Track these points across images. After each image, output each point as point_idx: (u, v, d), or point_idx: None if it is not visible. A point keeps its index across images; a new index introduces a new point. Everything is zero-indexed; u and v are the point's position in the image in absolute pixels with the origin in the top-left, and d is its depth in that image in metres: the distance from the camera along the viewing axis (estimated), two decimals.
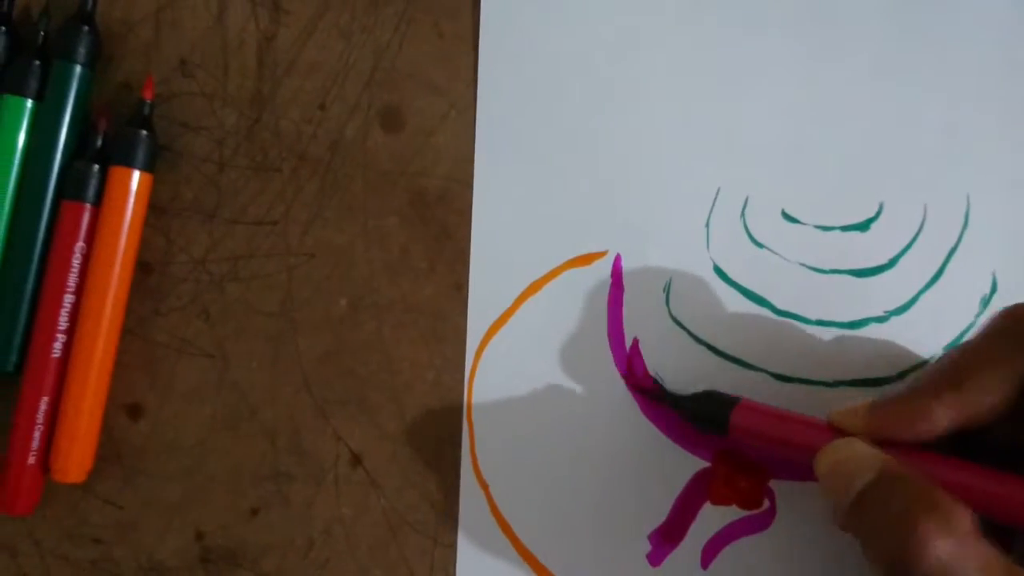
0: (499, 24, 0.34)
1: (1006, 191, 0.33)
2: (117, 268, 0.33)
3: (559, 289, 0.34)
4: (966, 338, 0.33)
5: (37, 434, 0.33)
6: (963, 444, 0.28)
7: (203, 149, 0.34)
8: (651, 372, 0.33)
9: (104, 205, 0.33)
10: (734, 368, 0.33)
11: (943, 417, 0.27)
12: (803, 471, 0.32)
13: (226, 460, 0.34)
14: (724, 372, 0.33)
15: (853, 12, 0.34)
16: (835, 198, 0.33)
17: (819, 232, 0.33)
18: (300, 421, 0.34)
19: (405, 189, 0.34)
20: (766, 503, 0.33)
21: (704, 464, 0.33)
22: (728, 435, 0.31)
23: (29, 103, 0.33)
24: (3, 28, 0.33)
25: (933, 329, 0.33)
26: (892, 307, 0.33)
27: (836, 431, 0.29)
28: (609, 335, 0.33)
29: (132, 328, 0.34)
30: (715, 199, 0.34)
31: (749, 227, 0.33)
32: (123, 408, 0.34)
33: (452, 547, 0.33)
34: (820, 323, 0.33)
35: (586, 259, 0.34)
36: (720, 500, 0.33)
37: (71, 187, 0.33)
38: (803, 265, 0.33)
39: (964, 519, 0.25)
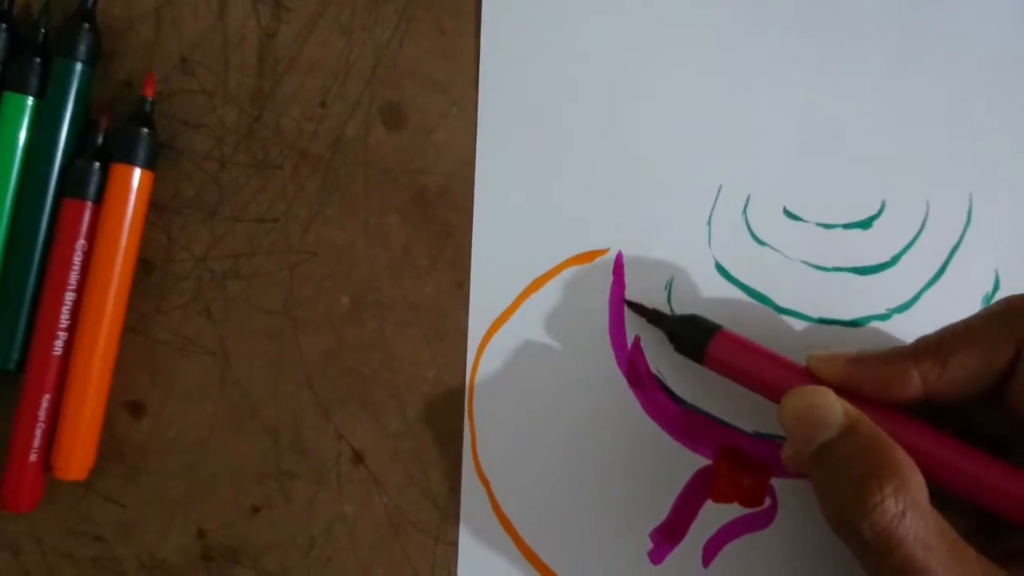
0: (501, 21, 0.34)
1: (1009, 189, 0.33)
2: (118, 266, 0.33)
3: (561, 287, 0.34)
4: None
5: (39, 432, 0.32)
6: (939, 421, 0.28)
7: (204, 147, 0.34)
8: (653, 370, 0.33)
9: (105, 203, 0.33)
10: None
11: (918, 384, 0.28)
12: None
13: (228, 458, 0.34)
14: None
15: (857, 10, 0.34)
16: (837, 195, 0.33)
17: (821, 230, 0.33)
18: (302, 419, 0.34)
19: (406, 187, 0.34)
20: (768, 501, 0.33)
21: (705, 462, 0.33)
22: (703, 362, 0.31)
23: (30, 100, 0.33)
24: (4, 25, 0.33)
25: (935, 327, 0.32)
26: (894, 305, 0.33)
27: (811, 377, 0.29)
28: (610, 333, 0.33)
29: (133, 326, 0.34)
30: (717, 196, 0.34)
31: (751, 224, 0.33)
32: (125, 406, 0.34)
33: (454, 545, 0.33)
34: (822, 321, 0.33)
35: (588, 256, 0.34)
36: (722, 498, 0.33)
37: (72, 185, 0.33)
38: (805, 263, 0.33)
39: (919, 486, 0.25)
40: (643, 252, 0.33)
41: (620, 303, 0.33)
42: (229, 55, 0.34)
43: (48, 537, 0.34)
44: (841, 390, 0.28)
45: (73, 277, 0.32)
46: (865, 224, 0.33)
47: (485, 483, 0.33)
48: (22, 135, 0.33)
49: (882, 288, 0.33)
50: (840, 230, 0.33)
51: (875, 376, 0.28)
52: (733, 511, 0.33)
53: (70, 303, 0.33)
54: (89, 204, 0.33)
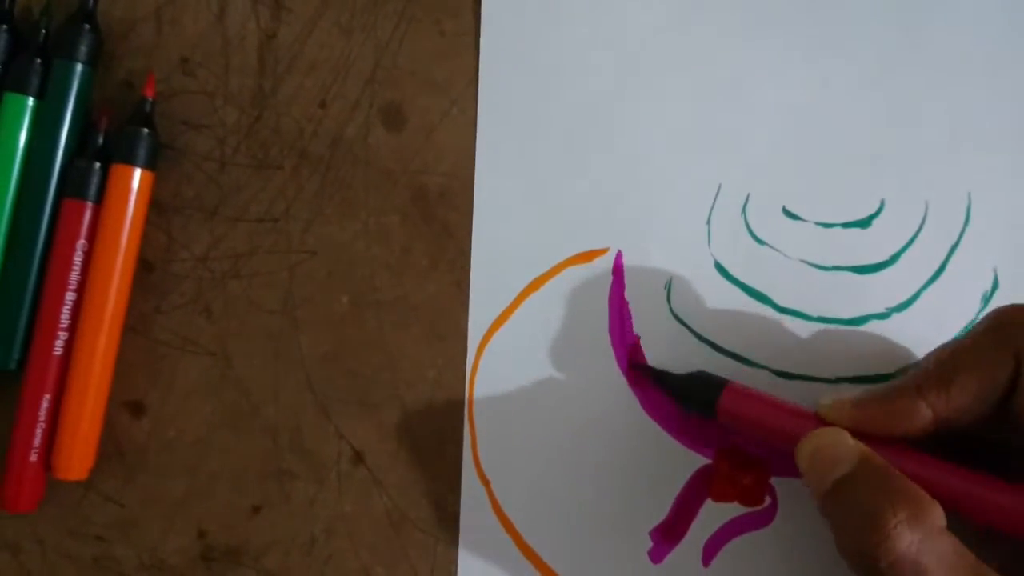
0: (500, 21, 0.34)
1: (1007, 188, 0.33)
2: (119, 266, 0.33)
3: (560, 286, 0.34)
4: None
5: (39, 431, 0.33)
6: (946, 443, 0.28)
7: (204, 147, 0.34)
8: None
9: (106, 203, 0.33)
10: (735, 365, 0.33)
11: (926, 416, 0.27)
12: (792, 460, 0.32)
13: (228, 458, 0.34)
14: (725, 369, 0.33)
15: (855, 10, 0.34)
16: (836, 195, 0.33)
17: (820, 229, 0.33)
18: (302, 419, 0.34)
19: (406, 187, 0.34)
20: (767, 500, 0.33)
21: (705, 461, 0.33)
22: (716, 418, 0.31)
23: (30, 101, 0.33)
24: (4, 26, 0.33)
25: (935, 326, 0.33)
26: (893, 304, 0.33)
27: (822, 421, 0.29)
28: (610, 332, 0.33)
29: (134, 326, 0.34)
30: (716, 196, 0.34)
31: (750, 224, 0.33)
32: (125, 406, 0.34)
33: (454, 544, 0.33)
34: (821, 320, 0.33)
35: (587, 256, 0.34)
36: (721, 497, 0.33)
37: (72, 185, 0.33)
38: (804, 262, 0.33)
39: (935, 514, 0.25)
40: (643, 252, 0.34)
41: (620, 303, 0.34)
42: (229, 56, 0.34)
43: (48, 537, 0.34)
44: (853, 432, 0.28)
45: (73, 277, 0.32)
46: (864, 223, 0.33)
47: (485, 482, 0.33)
48: (22, 135, 0.33)
49: (881, 287, 0.33)
50: (839, 229, 0.33)
51: (882, 414, 0.28)
52: (733, 510, 0.33)
53: (70, 303, 0.33)
54: (89, 204, 0.33)
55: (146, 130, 0.33)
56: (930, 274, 0.33)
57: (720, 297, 0.33)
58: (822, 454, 0.27)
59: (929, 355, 0.29)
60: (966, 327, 0.33)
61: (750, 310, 0.33)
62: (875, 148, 0.34)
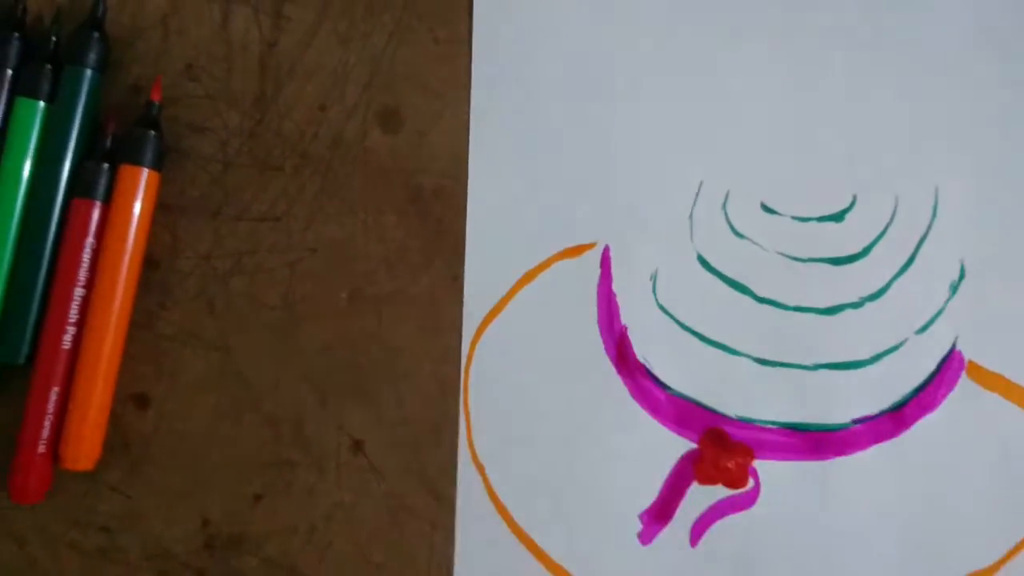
0: (491, 29, 0.36)
1: (972, 182, 0.35)
2: (126, 263, 0.34)
3: (551, 279, 0.35)
4: (937, 322, 0.34)
5: (47, 423, 0.34)
6: None
7: (208, 149, 0.36)
8: (640, 358, 0.35)
9: (114, 202, 0.34)
10: (718, 353, 0.35)
11: None
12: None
13: (230, 449, 0.35)
14: (709, 357, 0.35)
15: (829, 12, 0.36)
16: (811, 191, 0.35)
17: (796, 223, 0.35)
18: (302, 410, 0.35)
19: (403, 186, 0.36)
20: (751, 482, 0.34)
21: (692, 446, 0.34)
22: None
23: (41, 105, 0.34)
24: (16, 34, 0.34)
25: (905, 314, 0.35)
26: (866, 293, 0.35)
27: None
28: (599, 323, 0.35)
29: (139, 321, 0.35)
30: (698, 192, 0.35)
31: (730, 218, 0.35)
32: (131, 398, 0.35)
33: (450, 529, 0.34)
34: (798, 309, 0.35)
35: (576, 251, 0.35)
36: (707, 480, 0.34)
37: (82, 185, 0.34)
38: (782, 254, 0.35)
39: None
40: (629, 246, 0.35)
41: (608, 294, 0.35)
42: (232, 62, 0.36)
43: (54, 528, 0.35)
44: None
45: (82, 274, 0.34)
46: (838, 217, 0.35)
47: (480, 469, 0.35)
48: (33, 138, 0.34)
49: (855, 278, 0.35)
50: (814, 223, 0.35)
51: None
52: (718, 492, 0.34)
53: (79, 299, 0.34)
54: (98, 204, 0.34)
55: (153, 132, 0.34)
56: (900, 265, 0.35)
57: (703, 288, 0.35)
58: None
59: None
60: (936, 315, 0.35)
61: (731, 300, 0.35)
62: (847, 146, 0.35)
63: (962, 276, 0.35)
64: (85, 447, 0.34)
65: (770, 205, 0.35)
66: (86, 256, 0.34)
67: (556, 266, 0.35)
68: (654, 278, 0.35)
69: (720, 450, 0.34)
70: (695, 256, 0.35)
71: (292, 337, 0.35)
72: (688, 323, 0.35)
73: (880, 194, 0.35)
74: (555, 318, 0.35)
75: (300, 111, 0.36)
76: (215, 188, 0.36)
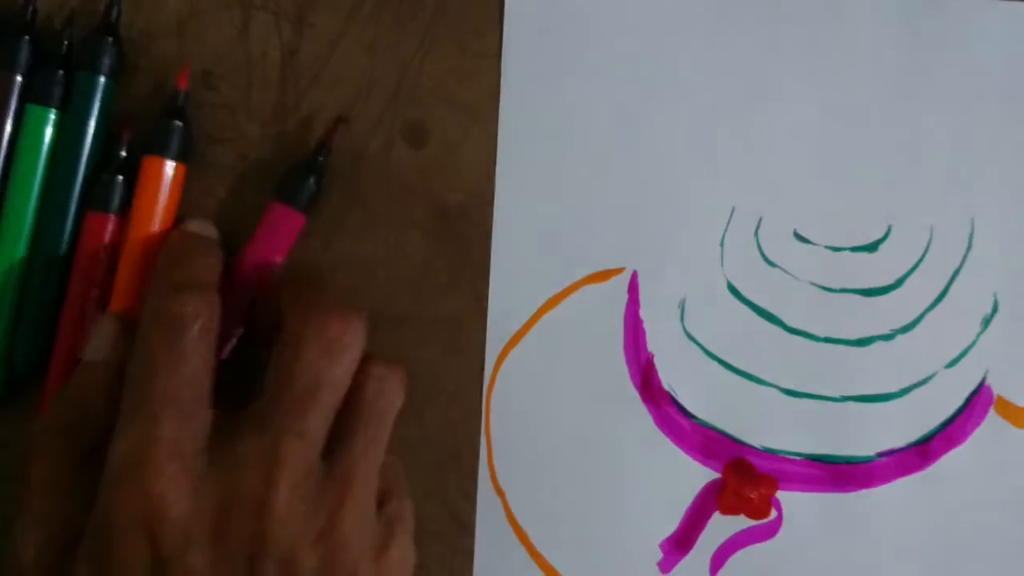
0: (522, 42, 0.35)
1: (1009, 215, 0.35)
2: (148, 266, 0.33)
3: (577, 304, 0.35)
4: (967, 356, 0.34)
5: None
6: None
7: (226, 160, 0.35)
8: (665, 386, 0.34)
9: (137, 194, 0.33)
10: (745, 383, 0.34)
11: None
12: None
13: None
14: (736, 387, 0.34)
15: (868, 38, 0.35)
16: (846, 220, 0.35)
17: (830, 252, 0.34)
18: None
19: (427, 203, 0.35)
20: (774, 513, 0.34)
21: (715, 475, 0.34)
22: None
23: (53, 113, 0.33)
24: (26, 38, 0.33)
25: (936, 347, 0.34)
26: (898, 326, 0.34)
27: None
28: (625, 349, 0.34)
29: None
30: (730, 219, 0.35)
31: (762, 246, 0.35)
32: None
33: (470, 554, 0.34)
34: (829, 340, 0.34)
35: (604, 275, 0.35)
36: (729, 510, 0.34)
37: (96, 198, 0.33)
38: (813, 284, 0.34)
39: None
40: (658, 271, 0.34)
41: (635, 321, 0.34)
42: (252, 70, 0.35)
43: None
44: None
45: (97, 288, 0.33)
46: (871, 248, 0.34)
47: (500, 494, 0.34)
48: (45, 147, 0.33)
49: (887, 309, 0.34)
50: (848, 253, 0.34)
51: None
52: (740, 523, 0.34)
53: (93, 315, 0.33)
54: (112, 217, 0.33)
55: (179, 122, 0.33)
56: (934, 297, 0.34)
57: (732, 317, 0.34)
58: None
59: None
60: (967, 349, 0.34)
61: (760, 330, 0.34)
62: (883, 175, 0.35)
63: (995, 310, 0.34)
64: None
65: (803, 234, 0.35)
66: (101, 271, 0.33)
67: (583, 290, 0.35)
68: (682, 305, 0.34)
69: (743, 480, 0.34)
70: (725, 284, 0.34)
71: None
72: (716, 352, 0.34)
73: (915, 225, 0.35)
74: (580, 343, 0.34)
75: (322, 123, 0.35)
76: (233, 201, 0.35)
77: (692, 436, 0.34)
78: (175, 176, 0.33)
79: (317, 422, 0.28)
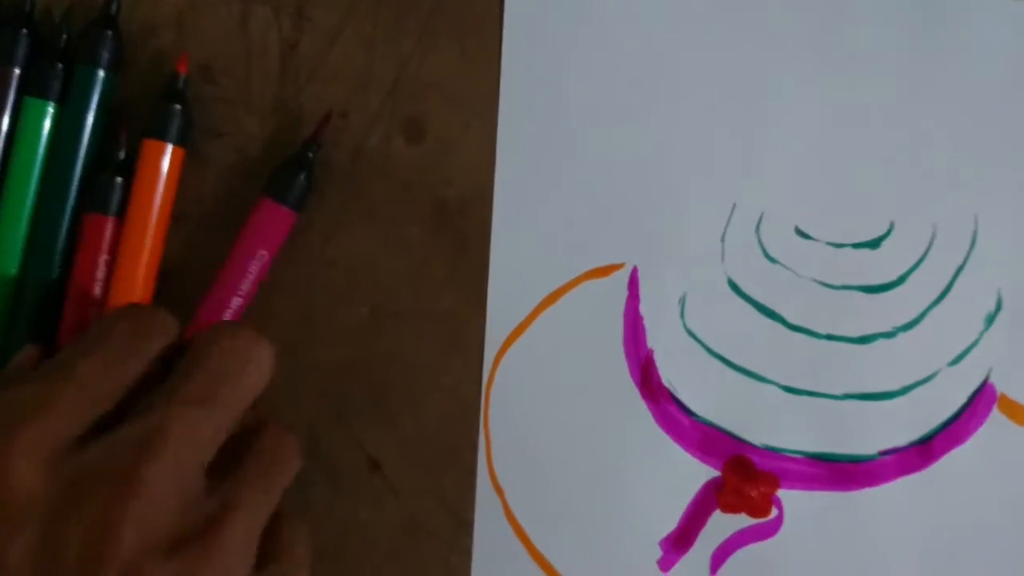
0: (521, 39, 0.34)
1: (1012, 212, 0.34)
2: (144, 262, 0.32)
3: (576, 300, 0.34)
4: (970, 354, 0.34)
5: None
6: None
7: (225, 154, 0.34)
8: (665, 382, 0.34)
9: (136, 180, 0.32)
10: (745, 380, 0.34)
11: None
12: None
13: None
14: (736, 383, 0.34)
15: (871, 34, 0.34)
16: (847, 216, 0.34)
17: (831, 249, 0.34)
18: (319, 426, 0.34)
19: (426, 199, 0.34)
20: (774, 511, 0.34)
21: (715, 473, 0.34)
22: None
23: (51, 107, 0.33)
24: (25, 30, 0.33)
25: (939, 345, 0.34)
26: (900, 323, 0.34)
27: None
28: (624, 345, 0.34)
29: None
30: (731, 215, 0.34)
31: (763, 243, 0.34)
32: None
33: (468, 552, 0.34)
34: (830, 337, 0.34)
35: (604, 271, 0.34)
36: (730, 508, 0.34)
37: (94, 200, 0.33)
38: (815, 281, 0.34)
39: None
40: (658, 267, 0.34)
41: (635, 316, 0.34)
42: (251, 64, 0.35)
43: None
44: None
45: (97, 289, 0.33)
46: (874, 244, 0.34)
47: (499, 491, 0.34)
48: (43, 141, 0.33)
49: (889, 307, 0.34)
50: (849, 249, 0.34)
51: None
52: (740, 521, 0.34)
53: (95, 316, 0.33)
54: (111, 219, 0.33)
55: (178, 106, 0.33)
56: (936, 295, 0.34)
57: (732, 313, 0.34)
58: None
59: None
60: (970, 346, 0.34)
61: (761, 326, 0.34)
62: (886, 172, 0.34)
63: (999, 307, 0.34)
64: None
65: (805, 230, 0.34)
66: (100, 273, 0.33)
67: (582, 286, 0.34)
68: (682, 301, 0.34)
69: (744, 478, 0.34)
70: (725, 280, 0.34)
71: (310, 352, 0.34)
72: (716, 348, 0.34)
73: (918, 222, 0.34)
74: (580, 339, 0.34)
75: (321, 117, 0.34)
76: (232, 196, 0.34)
77: (692, 433, 0.34)
78: (174, 160, 0.33)
79: (211, 420, 0.26)
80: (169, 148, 0.32)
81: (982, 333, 0.34)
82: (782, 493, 0.34)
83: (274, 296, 0.34)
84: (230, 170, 0.34)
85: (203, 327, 0.31)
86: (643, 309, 0.34)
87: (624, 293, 0.34)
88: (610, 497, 0.34)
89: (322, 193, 0.34)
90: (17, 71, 0.33)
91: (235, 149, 0.34)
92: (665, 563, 0.34)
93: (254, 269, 0.33)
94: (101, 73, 0.33)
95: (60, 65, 0.33)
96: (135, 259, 0.33)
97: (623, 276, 0.34)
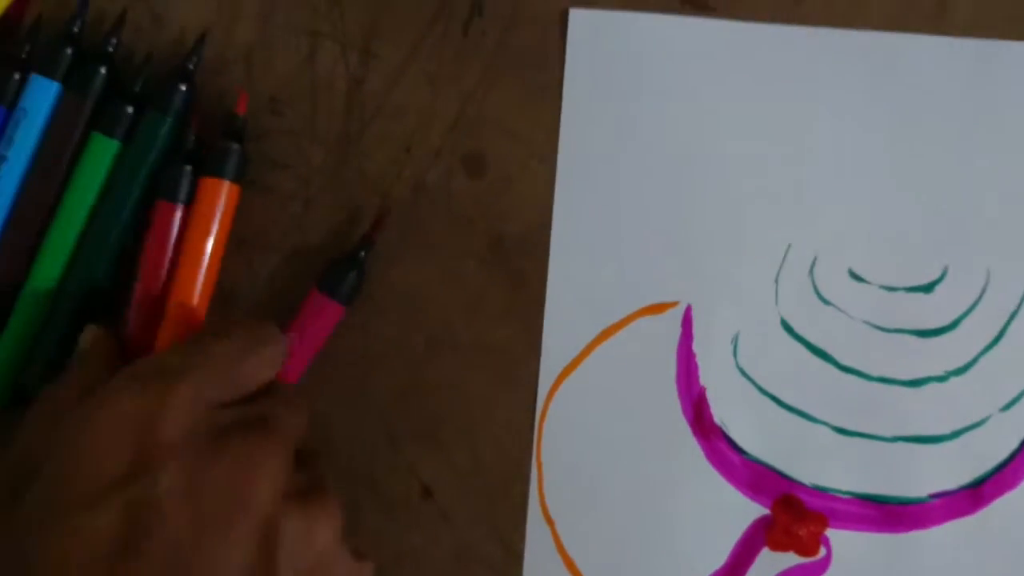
0: (583, 77, 0.35)
1: None
2: (200, 280, 0.33)
3: (631, 336, 0.35)
4: (1023, 399, 0.34)
5: None
6: None
7: (289, 185, 0.35)
8: (717, 420, 0.34)
9: (193, 215, 0.33)
10: (796, 419, 0.34)
11: None
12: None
13: None
14: (787, 423, 0.34)
15: (927, 80, 0.35)
16: (901, 260, 0.35)
17: (884, 292, 0.34)
18: (374, 453, 0.35)
19: (484, 233, 0.35)
20: (823, 551, 0.34)
21: (764, 511, 0.34)
22: None
23: (115, 145, 0.34)
24: (104, 69, 0.34)
25: (991, 390, 0.34)
26: (952, 367, 0.34)
27: None
28: (678, 383, 0.35)
29: None
30: (785, 256, 0.35)
31: (817, 284, 0.35)
32: None
33: None
34: (882, 380, 0.34)
35: (658, 308, 0.35)
36: (778, 547, 0.34)
37: (165, 188, 0.33)
38: (867, 323, 0.34)
39: None
40: (712, 306, 0.35)
41: (688, 354, 0.35)
42: (317, 98, 0.35)
43: None
44: None
45: (163, 277, 0.33)
46: (927, 288, 0.34)
47: (550, 522, 0.35)
48: (102, 177, 0.34)
49: (941, 351, 0.34)
50: (903, 293, 0.34)
51: None
52: (789, 559, 0.34)
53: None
54: (180, 206, 0.33)
55: (236, 144, 0.33)
56: (989, 340, 0.34)
57: (785, 354, 0.35)
58: None
59: None
60: (1022, 392, 0.34)
61: (813, 367, 0.34)
62: (940, 216, 0.35)
63: None
64: None
65: (858, 273, 0.35)
66: (167, 264, 0.33)
67: (637, 323, 0.35)
68: (735, 340, 0.35)
69: (793, 517, 0.34)
70: (779, 320, 0.35)
71: (367, 380, 0.35)
72: (768, 388, 0.35)
73: (972, 267, 0.34)
74: (633, 375, 0.35)
75: (384, 151, 0.35)
76: (294, 226, 0.35)
77: (742, 471, 0.34)
78: (230, 196, 0.33)
79: (227, 373, 0.29)
80: (226, 185, 0.33)
81: None
82: (831, 533, 0.34)
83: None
84: (292, 199, 0.35)
85: None
86: (696, 347, 0.35)
87: (678, 331, 0.35)
88: (659, 532, 0.34)
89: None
90: (90, 104, 0.34)
91: (298, 179, 0.35)
92: None
93: (303, 361, 0.34)
94: (169, 121, 0.34)
95: (131, 109, 0.34)
96: (189, 288, 0.33)
97: (677, 314, 0.35)
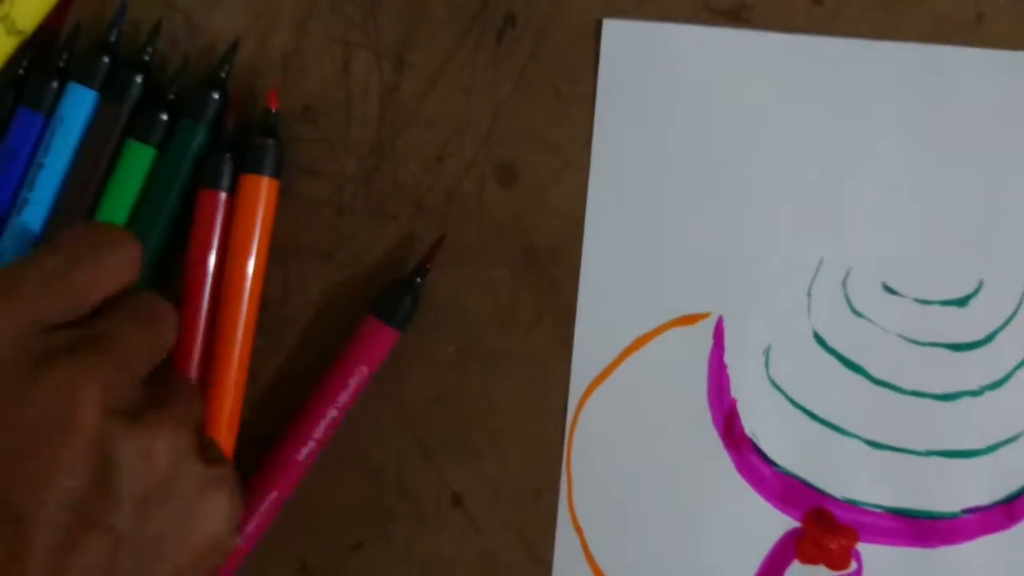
0: (616, 88, 0.35)
1: None
2: (246, 295, 0.33)
3: (662, 347, 0.35)
4: None
5: None
6: None
7: (323, 193, 0.36)
8: (748, 432, 0.34)
9: (236, 212, 0.33)
10: (828, 432, 0.34)
11: None
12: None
13: (333, 495, 0.35)
14: (818, 435, 0.34)
15: (964, 90, 0.35)
16: (935, 273, 0.34)
17: (918, 305, 0.34)
18: (404, 460, 0.35)
19: (517, 243, 0.35)
20: (853, 565, 0.34)
21: (795, 524, 0.34)
22: None
23: (151, 152, 0.34)
24: (139, 78, 0.34)
25: None
26: (987, 382, 0.34)
27: None
28: (709, 394, 0.35)
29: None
30: (818, 269, 0.35)
31: (850, 297, 0.34)
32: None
33: None
34: (915, 394, 0.34)
35: (690, 319, 0.35)
36: (809, 560, 0.34)
37: (208, 176, 0.34)
38: (901, 336, 0.34)
39: None
40: (744, 318, 0.35)
41: (719, 366, 0.35)
42: (351, 107, 0.36)
43: None
44: None
45: (210, 266, 0.33)
46: (962, 302, 0.34)
47: (579, 531, 0.35)
48: (139, 183, 0.34)
49: (975, 365, 0.34)
50: (937, 307, 0.34)
51: None
52: (819, 573, 0.34)
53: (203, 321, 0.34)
54: (223, 194, 0.34)
55: (272, 140, 0.34)
56: None
57: (817, 366, 0.34)
58: None
59: None
60: None
61: (845, 380, 0.34)
62: (975, 230, 0.34)
63: None
64: None
65: (892, 286, 0.34)
66: (212, 257, 0.34)
67: (668, 334, 0.35)
68: (767, 352, 0.35)
69: (824, 530, 0.34)
70: (811, 333, 0.34)
71: (398, 388, 0.35)
72: (799, 400, 0.34)
73: (1007, 281, 0.34)
74: (664, 386, 0.35)
75: (417, 160, 0.35)
76: (328, 233, 0.35)
77: (773, 483, 0.34)
78: (270, 192, 0.34)
79: (146, 339, 0.29)
80: (265, 181, 0.34)
81: None
82: (862, 546, 0.34)
83: None
84: (325, 207, 0.36)
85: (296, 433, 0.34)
86: (728, 359, 0.35)
87: (709, 342, 0.35)
88: (689, 543, 0.34)
89: (414, 233, 0.35)
90: (126, 112, 0.34)
91: (332, 187, 0.35)
92: None
93: (353, 384, 0.34)
94: (203, 129, 0.34)
95: (165, 116, 0.34)
96: (238, 287, 0.33)
97: (709, 325, 0.35)
